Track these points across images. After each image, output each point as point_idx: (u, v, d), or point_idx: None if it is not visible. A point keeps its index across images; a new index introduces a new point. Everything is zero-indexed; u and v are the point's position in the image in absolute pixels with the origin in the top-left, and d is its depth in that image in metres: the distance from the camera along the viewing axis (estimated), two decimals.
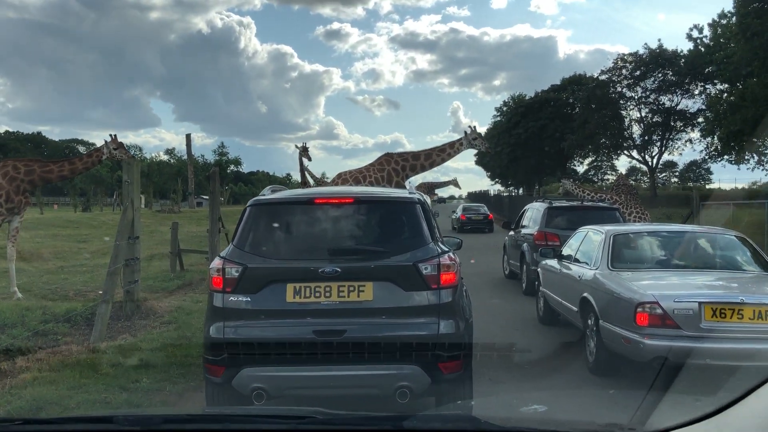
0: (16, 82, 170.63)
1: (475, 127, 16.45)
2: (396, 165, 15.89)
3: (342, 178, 16.33)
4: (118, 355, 7.21)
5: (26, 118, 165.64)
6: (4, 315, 8.89)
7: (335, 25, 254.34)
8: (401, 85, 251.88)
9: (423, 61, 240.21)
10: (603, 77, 49.02)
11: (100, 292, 9.58)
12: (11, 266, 11.48)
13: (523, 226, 14.21)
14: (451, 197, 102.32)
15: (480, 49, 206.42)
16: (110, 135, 12.27)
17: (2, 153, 79.81)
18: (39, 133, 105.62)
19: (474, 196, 73.83)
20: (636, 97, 48.14)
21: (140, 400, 5.81)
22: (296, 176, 27.53)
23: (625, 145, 50.83)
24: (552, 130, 53.14)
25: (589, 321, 7.18)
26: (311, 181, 22.49)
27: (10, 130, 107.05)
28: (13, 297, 10.89)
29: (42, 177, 11.75)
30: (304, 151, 21.44)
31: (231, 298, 4.83)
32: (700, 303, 5.93)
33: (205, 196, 60.51)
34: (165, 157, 71.39)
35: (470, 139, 16.13)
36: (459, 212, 35.54)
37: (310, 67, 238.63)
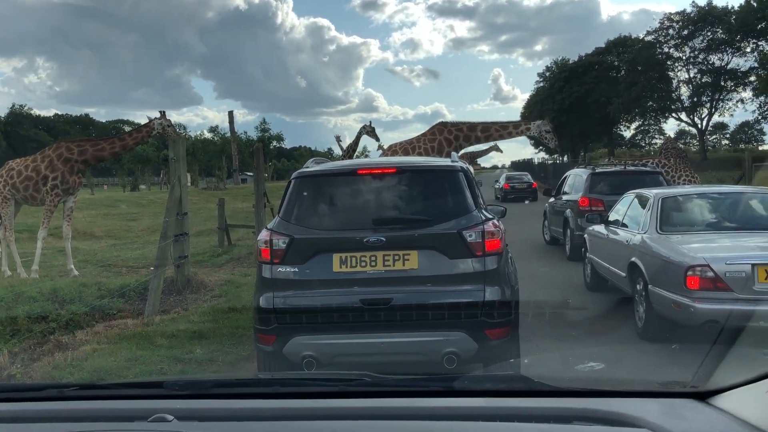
0: (62, 66, 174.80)
1: (548, 120, 15.76)
2: (449, 135, 15.19)
3: (392, 150, 16.17)
4: (172, 328, 7.44)
5: (73, 100, 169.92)
6: (62, 291, 9.22)
7: None
8: (440, 54, 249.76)
9: (462, 28, 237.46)
10: (649, 38, 47.75)
11: (152, 267, 9.85)
12: (67, 245, 11.87)
13: (565, 193, 14.08)
14: (494, 167, 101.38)
15: (520, 13, 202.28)
16: (160, 112, 12.45)
17: (52, 136, 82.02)
18: (86, 115, 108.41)
19: (517, 165, 72.87)
20: (684, 58, 46.83)
21: (194, 370, 6.00)
22: (338, 150, 27.62)
23: (673, 107, 49.57)
24: (597, 95, 52.00)
25: (638, 286, 7.09)
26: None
27: (59, 112, 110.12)
28: (70, 274, 11.28)
29: (95, 156, 12.04)
30: (371, 132, 21.30)
31: (279, 269, 4.92)
32: (753, 265, 5.79)
33: (249, 173, 61.22)
34: (209, 135, 72.24)
35: (541, 129, 15.25)
36: (502, 181, 35.27)
37: (347, 39, 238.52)
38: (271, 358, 5.03)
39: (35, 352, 6.92)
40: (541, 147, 72.23)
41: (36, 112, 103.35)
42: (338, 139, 30.58)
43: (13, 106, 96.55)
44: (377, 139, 21.81)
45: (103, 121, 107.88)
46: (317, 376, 2.06)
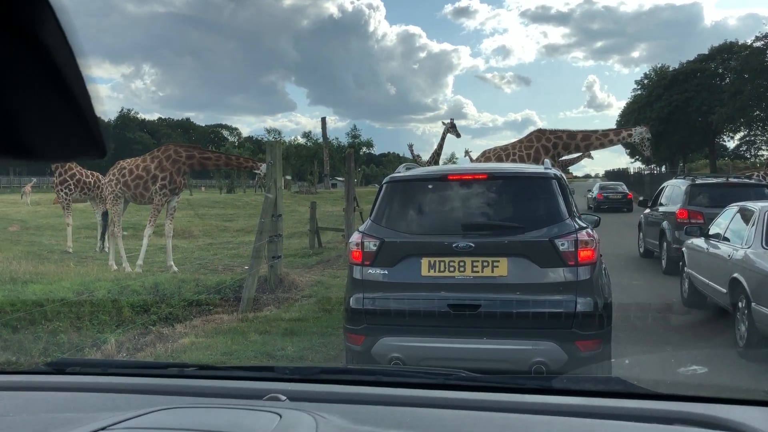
0: (165, 72, 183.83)
1: (648, 128, 15.08)
2: (547, 142, 14.76)
3: (485, 156, 16.03)
4: (265, 324, 7.70)
5: (175, 105, 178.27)
6: (163, 286, 9.70)
7: (463, 3, 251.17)
8: (532, 61, 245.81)
9: (555, 34, 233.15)
10: (758, 44, 45.23)
11: (246, 266, 10.21)
12: (168, 242, 12.50)
13: (661, 204, 13.60)
14: (587, 176, 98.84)
15: (617, 19, 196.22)
16: (268, 163, 12.56)
17: (155, 139, 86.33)
18: (188, 119, 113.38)
19: (611, 175, 70.66)
20: None
21: None
22: (425, 157, 27.73)
23: None
24: (698, 103, 49.76)
25: (740, 303, 6.77)
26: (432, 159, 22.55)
27: (162, 116, 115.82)
28: (170, 270, 11.85)
29: (201, 162, 12.72)
30: (452, 128, 21.50)
31: (369, 270, 5.02)
32: None
33: (339, 178, 62.25)
34: (302, 140, 73.96)
35: (644, 136, 14.73)
36: (595, 191, 34.29)
37: (438, 46, 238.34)
38: (359, 358, 5.12)
39: (138, 342, 7.34)
40: (637, 157, 69.88)
41: (141, 116, 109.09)
42: (411, 147, 30.67)
43: (122, 110, 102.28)
44: (458, 135, 21.84)
45: (202, 125, 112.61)
46: (414, 370, 2.13)
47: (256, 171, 12.97)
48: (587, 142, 14.85)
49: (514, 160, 14.78)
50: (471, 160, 31.79)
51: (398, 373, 2.01)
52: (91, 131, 0.73)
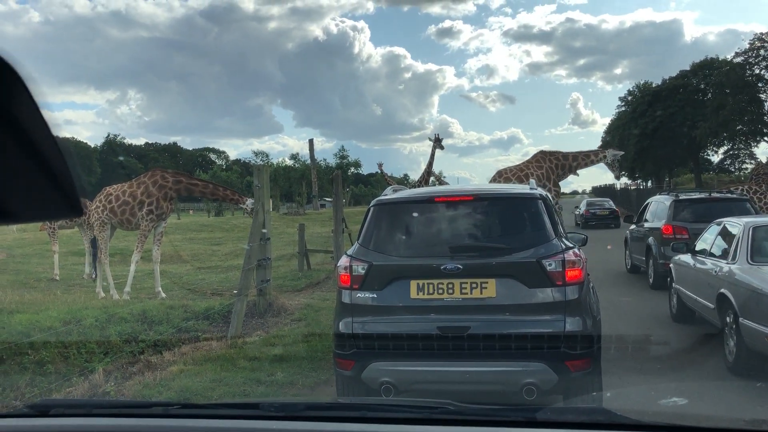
0: (151, 97, 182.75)
1: (616, 149, 17.69)
2: (550, 163, 16.50)
3: (504, 177, 16.73)
4: (254, 350, 7.64)
5: (161, 129, 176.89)
6: (151, 313, 9.62)
7: (447, 23, 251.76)
8: (516, 80, 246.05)
9: (538, 53, 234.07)
10: (738, 59, 45.87)
11: (235, 291, 10.15)
12: (156, 268, 12.42)
13: (646, 220, 13.75)
14: (574, 192, 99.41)
15: (598, 37, 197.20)
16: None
17: (143, 163, 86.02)
18: (174, 143, 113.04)
19: (599, 191, 71.14)
20: None
21: (275, 393, 6.14)
22: (414, 176, 27.85)
23: (765, 131, 47.29)
24: (682, 119, 50.25)
25: (728, 318, 6.81)
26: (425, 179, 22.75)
27: (149, 141, 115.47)
28: (158, 297, 11.77)
29: (187, 188, 12.69)
30: (437, 142, 21.81)
31: (358, 294, 5.01)
32: None
33: (328, 199, 62.18)
34: (290, 162, 73.98)
35: (617, 156, 16.90)
36: (582, 207, 34.52)
37: (423, 66, 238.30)
38: (349, 383, 5.10)
39: (126, 371, 7.25)
40: (624, 172, 70.31)
41: (128, 141, 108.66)
42: (380, 166, 30.67)
43: (108, 135, 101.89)
44: (442, 148, 22.35)
45: (190, 149, 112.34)
46: (401, 403, 2.11)
47: (242, 206, 13.01)
48: (576, 162, 16.65)
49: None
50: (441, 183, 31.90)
51: (384, 408, 2.00)
52: (66, 194, 0.74)
